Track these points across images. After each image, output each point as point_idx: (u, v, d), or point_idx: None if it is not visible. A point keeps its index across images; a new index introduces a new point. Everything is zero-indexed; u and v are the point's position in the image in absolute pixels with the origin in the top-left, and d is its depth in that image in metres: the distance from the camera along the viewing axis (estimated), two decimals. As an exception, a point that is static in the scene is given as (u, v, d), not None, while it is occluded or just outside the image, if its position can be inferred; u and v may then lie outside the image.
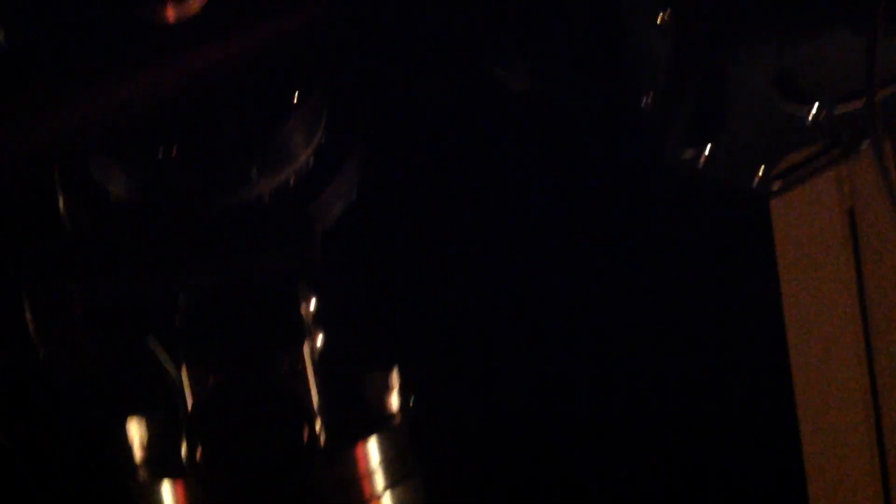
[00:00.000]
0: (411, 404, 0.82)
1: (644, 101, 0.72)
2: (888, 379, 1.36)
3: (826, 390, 1.36)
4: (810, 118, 0.80)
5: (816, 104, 0.80)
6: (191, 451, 0.69)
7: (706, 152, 0.77)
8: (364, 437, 0.76)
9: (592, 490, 1.22)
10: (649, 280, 1.22)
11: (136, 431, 0.76)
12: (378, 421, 0.79)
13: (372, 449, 0.77)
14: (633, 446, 1.20)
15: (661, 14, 0.69)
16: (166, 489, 0.74)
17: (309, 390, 0.73)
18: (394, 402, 0.81)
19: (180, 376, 0.71)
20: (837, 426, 1.37)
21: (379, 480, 0.77)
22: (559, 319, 1.16)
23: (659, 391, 1.23)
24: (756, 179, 0.83)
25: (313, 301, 0.78)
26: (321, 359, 0.77)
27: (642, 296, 1.23)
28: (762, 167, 0.83)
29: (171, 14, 0.63)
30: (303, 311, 0.74)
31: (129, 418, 0.76)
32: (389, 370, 0.81)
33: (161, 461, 0.75)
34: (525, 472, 1.17)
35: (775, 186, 0.86)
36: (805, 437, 1.35)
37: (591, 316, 1.18)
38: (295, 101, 0.69)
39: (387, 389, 0.80)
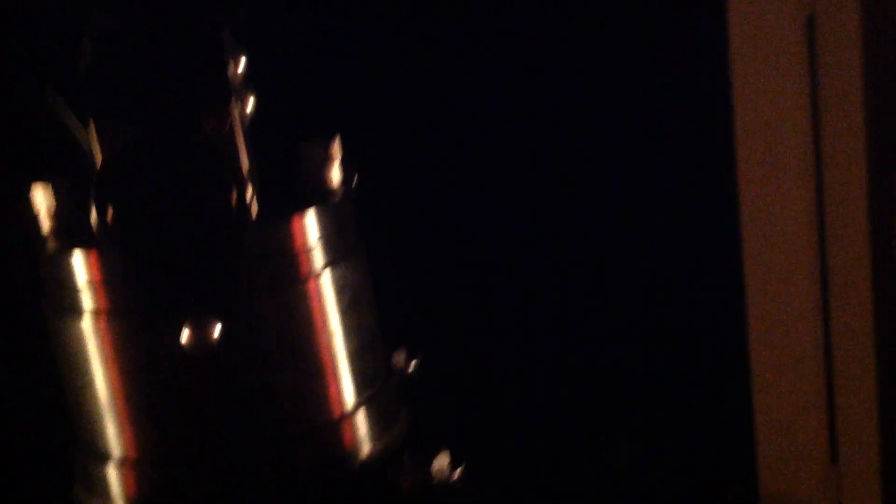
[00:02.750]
0: (355, 178, 0.74)
1: None
2: (835, 194, 1.31)
3: (771, 202, 1.32)
4: None
5: None
6: (101, 217, 0.61)
7: None
8: (300, 209, 0.69)
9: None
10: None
11: (41, 198, 0.68)
12: (317, 193, 0.72)
13: (310, 223, 0.70)
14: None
15: None
16: (77, 260, 0.66)
17: (238, 155, 0.65)
18: (335, 174, 0.73)
19: (87, 133, 0.62)
20: (782, 275, 1.33)
21: (318, 257, 0.70)
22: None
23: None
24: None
25: (244, 59, 0.69)
26: (253, 124, 0.69)
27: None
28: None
29: None
30: (231, 68, 0.65)
31: (32, 184, 0.68)
32: (331, 140, 0.73)
33: (71, 230, 0.67)
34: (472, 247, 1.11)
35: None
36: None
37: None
38: None
39: (327, 161, 0.73)
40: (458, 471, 0.77)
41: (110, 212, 0.60)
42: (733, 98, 1.26)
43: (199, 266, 0.62)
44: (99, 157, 0.62)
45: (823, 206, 1.27)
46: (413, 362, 0.83)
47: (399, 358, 0.83)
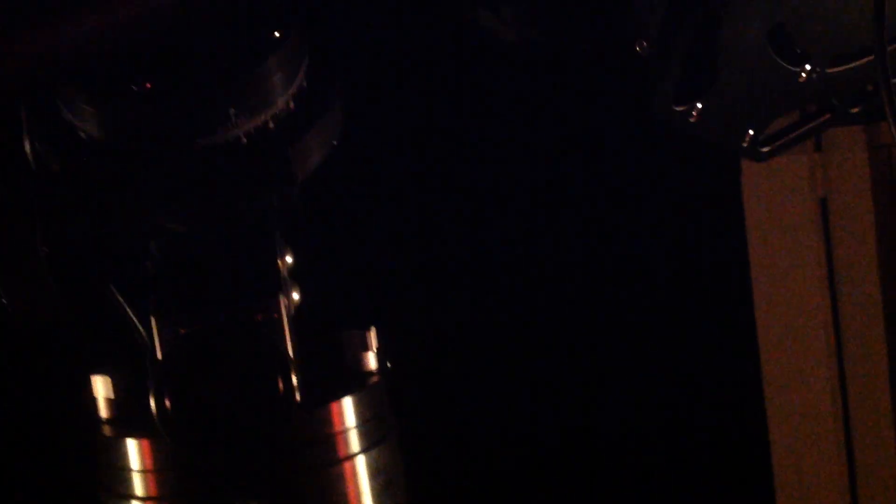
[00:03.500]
0: (389, 365, 0.79)
1: (639, 49, 0.70)
2: (857, 367, 1.35)
3: (795, 380, 1.36)
4: (803, 77, 0.78)
5: (809, 64, 0.79)
6: (160, 406, 0.65)
7: (698, 108, 0.75)
8: (341, 395, 0.73)
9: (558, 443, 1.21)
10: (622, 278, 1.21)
11: (101, 387, 0.73)
12: (355, 380, 0.76)
13: (348, 408, 0.74)
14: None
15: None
16: (133, 447, 0.70)
17: (285, 345, 0.70)
18: (371, 361, 0.78)
19: (148, 327, 0.67)
20: (806, 421, 1.36)
21: (355, 441, 0.74)
22: (540, 272, 1.15)
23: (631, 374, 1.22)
24: (746, 140, 0.82)
25: (290, 254, 0.75)
26: (297, 314, 0.74)
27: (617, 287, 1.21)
28: (752, 128, 0.81)
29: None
30: (279, 262, 0.71)
31: (93, 373, 0.73)
32: (367, 329, 0.78)
33: (127, 418, 0.72)
34: (502, 431, 1.15)
35: (765, 149, 0.84)
36: (774, 437, 1.34)
37: (559, 269, 1.16)
38: (276, 38, 0.66)
39: (364, 349, 0.78)
40: None
41: (168, 402, 0.64)
42: (752, 280, 1.31)
43: (247, 453, 0.66)
44: (158, 350, 0.67)
45: (848, 401, 1.30)
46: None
47: (428, 540, 0.85)
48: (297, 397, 0.68)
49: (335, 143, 0.70)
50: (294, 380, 0.67)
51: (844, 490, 1.35)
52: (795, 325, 1.35)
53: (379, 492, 0.76)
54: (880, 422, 1.33)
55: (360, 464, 0.74)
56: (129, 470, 0.71)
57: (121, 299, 0.70)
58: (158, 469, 0.69)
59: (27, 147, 0.67)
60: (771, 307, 1.36)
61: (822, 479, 1.36)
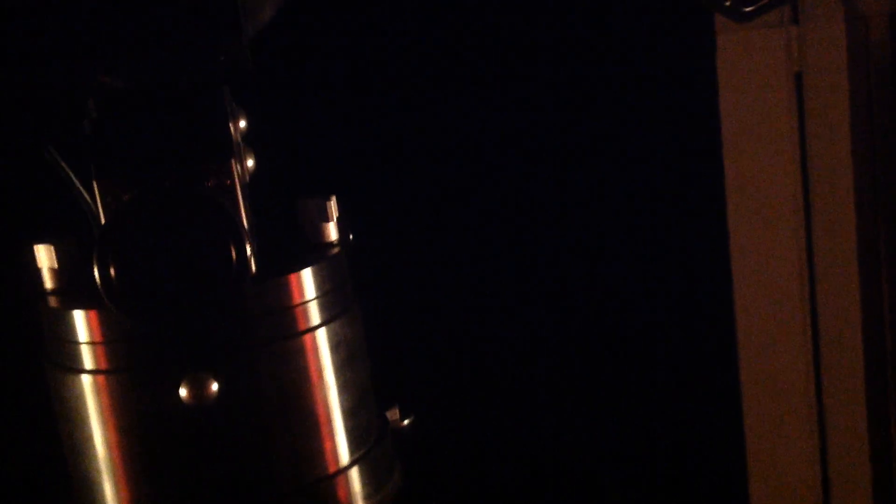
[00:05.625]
0: (350, 235, 0.75)
1: None
2: (825, 242, 1.34)
3: (762, 255, 1.34)
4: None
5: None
6: (103, 275, 0.61)
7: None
8: (299, 266, 0.70)
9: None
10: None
11: (44, 257, 0.69)
12: (314, 251, 0.73)
13: (307, 279, 0.70)
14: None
15: None
16: (78, 318, 0.66)
17: (238, 211, 0.66)
18: (331, 232, 0.74)
19: (91, 192, 0.63)
20: (772, 291, 1.36)
21: (314, 313, 0.71)
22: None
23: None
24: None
25: (243, 116, 0.70)
26: (252, 182, 0.70)
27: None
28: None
29: None
30: (231, 126, 0.66)
31: (35, 242, 0.69)
32: (327, 198, 0.74)
33: (73, 289, 0.68)
34: (468, 302, 1.13)
35: (748, 8, 0.80)
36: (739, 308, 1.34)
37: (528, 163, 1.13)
38: None
39: (324, 218, 0.74)
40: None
41: (112, 271, 0.61)
42: (724, 154, 1.28)
43: (198, 324, 0.63)
44: (101, 217, 0.63)
45: (815, 271, 1.29)
46: (407, 420, 0.83)
47: (393, 415, 0.83)
48: (252, 268, 0.64)
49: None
50: (248, 249, 0.63)
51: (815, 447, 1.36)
52: (766, 199, 1.33)
53: (340, 365, 0.73)
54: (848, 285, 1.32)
55: (321, 336, 0.71)
56: (77, 342, 0.67)
57: (61, 161, 0.65)
58: (106, 341, 0.66)
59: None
60: (742, 183, 1.34)
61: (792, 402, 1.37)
